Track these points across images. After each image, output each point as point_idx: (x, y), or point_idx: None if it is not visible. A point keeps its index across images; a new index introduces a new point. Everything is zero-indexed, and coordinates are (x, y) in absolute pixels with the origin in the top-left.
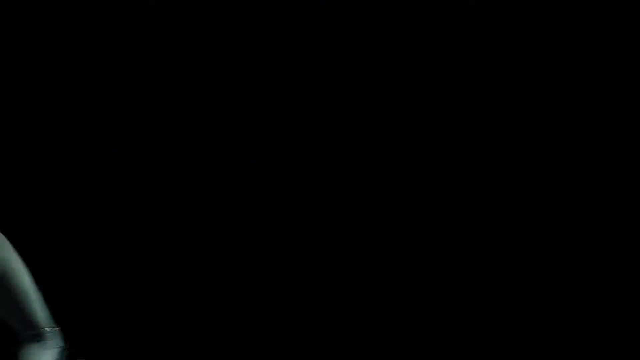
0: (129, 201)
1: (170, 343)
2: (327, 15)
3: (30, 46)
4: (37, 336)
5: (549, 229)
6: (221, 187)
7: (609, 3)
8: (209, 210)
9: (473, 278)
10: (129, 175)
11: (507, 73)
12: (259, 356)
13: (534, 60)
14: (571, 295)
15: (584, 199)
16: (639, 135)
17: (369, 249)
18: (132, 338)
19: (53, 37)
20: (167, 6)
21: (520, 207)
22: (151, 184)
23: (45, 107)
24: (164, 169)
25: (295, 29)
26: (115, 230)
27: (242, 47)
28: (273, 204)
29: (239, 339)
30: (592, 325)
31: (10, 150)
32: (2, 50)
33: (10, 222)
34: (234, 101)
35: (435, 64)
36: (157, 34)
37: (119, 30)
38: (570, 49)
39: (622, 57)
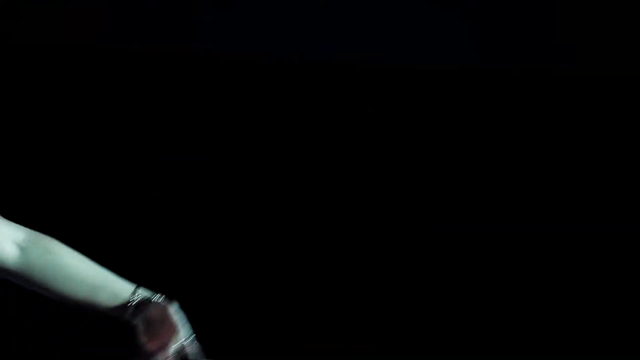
0: (129, 201)
1: None
2: (328, 14)
3: (30, 46)
4: (140, 299)
5: (549, 229)
6: (221, 187)
7: (609, 3)
8: (209, 210)
9: (473, 278)
10: (129, 175)
11: (507, 73)
12: (259, 356)
13: (534, 60)
14: (571, 295)
15: (584, 199)
16: (639, 135)
17: (369, 249)
18: None
19: (53, 37)
20: (167, 5)
21: (520, 207)
22: (151, 184)
23: (45, 107)
24: (164, 169)
25: (295, 28)
26: (115, 230)
27: (242, 46)
28: (273, 204)
29: (239, 339)
30: (592, 325)
31: (10, 150)
32: (2, 50)
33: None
34: (233, 101)
35: (435, 64)
36: (157, 33)
37: (119, 30)
38: (570, 49)
39: (622, 57)
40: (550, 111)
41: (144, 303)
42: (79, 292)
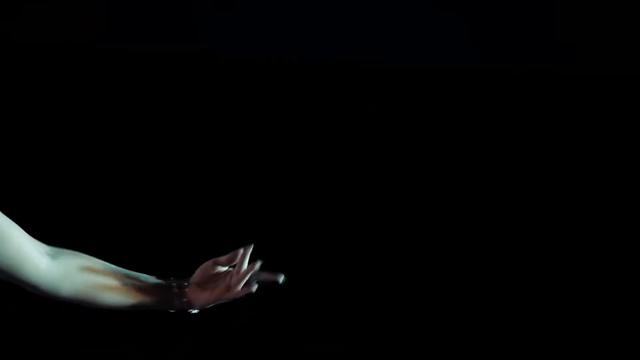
0: (129, 201)
1: (170, 343)
2: (328, 14)
3: (30, 46)
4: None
5: (549, 229)
6: (221, 187)
7: (609, 3)
8: (209, 210)
9: (473, 278)
10: (129, 175)
11: (507, 73)
12: (259, 356)
13: (534, 60)
14: (571, 295)
15: (584, 199)
16: (639, 135)
17: (369, 249)
18: None
19: (53, 37)
20: (167, 5)
21: (520, 207)
22: (151, 184)
23: (45, 107)
24: (164, 169)
25: (295, 28)
26: (115, 230)
27: (242, 46)
28: (273, 204)
29: (239, 339)
30: (592, 325)
31: (10, 150)
32: (2, 50)
33: None
34: (233, 101)
35: (435, 64)
36: (157, 33)
37: (119, 30)
38: (570, 49)
39: (622, 57)
40: (550, 111)
41: (181, 277)
42: (120, 281)
